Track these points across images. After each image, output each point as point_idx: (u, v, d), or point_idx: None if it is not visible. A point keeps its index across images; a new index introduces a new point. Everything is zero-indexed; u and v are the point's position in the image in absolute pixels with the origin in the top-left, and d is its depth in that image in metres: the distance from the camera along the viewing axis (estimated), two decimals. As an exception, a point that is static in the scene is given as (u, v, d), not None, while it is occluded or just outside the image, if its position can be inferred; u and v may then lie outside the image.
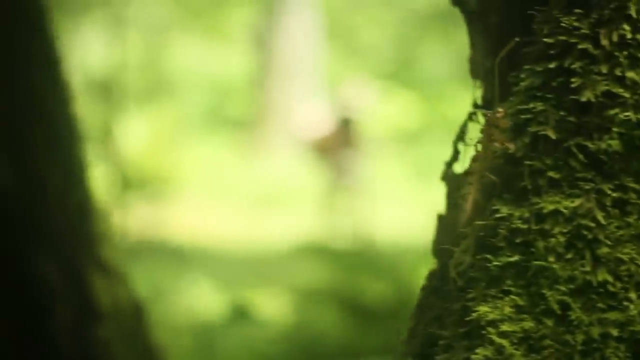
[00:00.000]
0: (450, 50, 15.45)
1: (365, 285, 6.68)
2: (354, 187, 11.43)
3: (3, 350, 1.85)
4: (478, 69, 1.07)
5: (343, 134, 11.27)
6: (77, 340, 1.88)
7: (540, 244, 0.92)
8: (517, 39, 0.95)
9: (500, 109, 0.94)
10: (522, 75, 0.96)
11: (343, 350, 5.64)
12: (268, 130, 13.88)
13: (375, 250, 8.29)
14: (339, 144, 11.23)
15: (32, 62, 1.84)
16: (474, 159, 0.95)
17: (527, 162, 0.94)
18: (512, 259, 0.93)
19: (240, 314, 6.05)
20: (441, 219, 1.09)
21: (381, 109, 13.92)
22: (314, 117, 12.17)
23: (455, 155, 1.05)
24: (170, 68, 12.75)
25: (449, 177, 1.08)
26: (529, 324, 0.91)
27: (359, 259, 7.41)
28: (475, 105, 1.07)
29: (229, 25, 15.17)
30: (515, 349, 0.91)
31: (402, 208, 12.62)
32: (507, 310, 0.92)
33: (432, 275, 1.02)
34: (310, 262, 7.98)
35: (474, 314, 0.93)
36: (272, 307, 7.48)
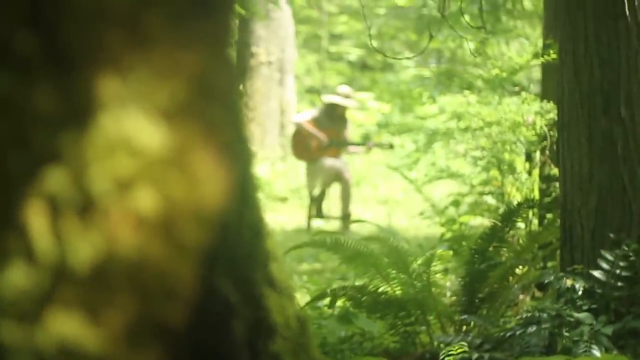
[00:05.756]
0: (416, 58, 15.58)
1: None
2: (340, 173, 11.49)
3: (186, 364, 1.93)
4: None
5: (328, 116, 11.40)
6: (251, 355, 1.96)
7: None
8: None
9: None
10: None
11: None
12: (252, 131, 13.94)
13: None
14: (324, 127, 11.33)
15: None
16: None
17: None
18: None
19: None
20: None
21: (358, 117, 14.01)
22: (300, 113, 12.28)
23: None
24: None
25: None
26: None
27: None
28: None
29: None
30: None
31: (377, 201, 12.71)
32: None
33: None
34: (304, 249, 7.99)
35: None
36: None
